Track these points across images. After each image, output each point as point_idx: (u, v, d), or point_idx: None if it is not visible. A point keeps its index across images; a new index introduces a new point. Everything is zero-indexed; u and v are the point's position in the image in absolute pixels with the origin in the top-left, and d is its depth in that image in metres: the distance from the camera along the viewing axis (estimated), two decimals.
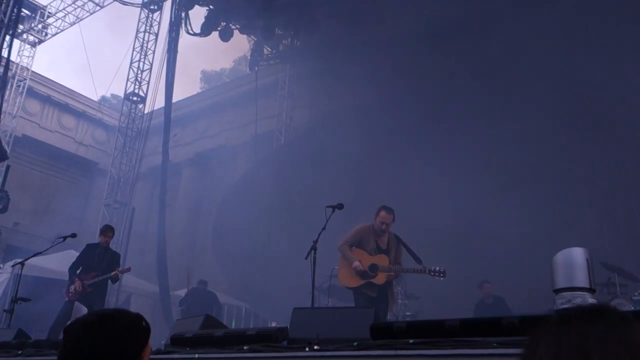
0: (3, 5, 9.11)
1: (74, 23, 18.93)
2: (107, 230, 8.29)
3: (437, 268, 5.83)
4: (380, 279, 5.93)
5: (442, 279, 5.85)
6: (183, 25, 14.80)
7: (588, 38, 10.33)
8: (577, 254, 3.27)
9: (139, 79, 15.87)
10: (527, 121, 10.94)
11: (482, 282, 8.19)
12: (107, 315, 1.53)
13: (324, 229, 5.45)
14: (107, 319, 1.50)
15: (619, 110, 9.68)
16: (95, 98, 23.41)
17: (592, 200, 10.19)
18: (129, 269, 8.49)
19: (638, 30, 9.28)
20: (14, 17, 9.34)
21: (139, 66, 15.92)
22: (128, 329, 1.48)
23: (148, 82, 15.96)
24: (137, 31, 16.25)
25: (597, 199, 10.16)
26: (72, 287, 7.80)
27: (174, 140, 17.09)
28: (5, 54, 9.40)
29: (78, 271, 7.97)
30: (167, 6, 15.67)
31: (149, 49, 16.17)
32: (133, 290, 14.47)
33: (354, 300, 6.23)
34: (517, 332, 2.62)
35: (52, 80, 21.94)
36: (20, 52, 19.54)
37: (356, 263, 5.99)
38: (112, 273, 7.86)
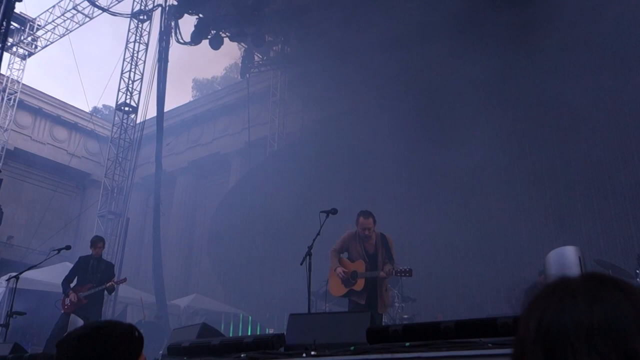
0: None
1: (63, 35, 18.91)
2: (97, 241, 8.25)
3: (404, 268, 5.76)
4: (359, 285, 5.87)
5: (409, 277, 5.79)
6: (173, 34, 14.81)
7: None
8: (569, 253, 3.29)
9: (130, 89, 15.84)
10: (521, 121, 11.01)
11: (542, 271, 8.10)
12: (99, 327, 1.54)
13: (318, 234, 5.45)
14: (100, 330, 1.51)
15: (613, 112, 9.77)
16: (87, 109, 23.42)
17: (585, 199, 10.24)
18: (124, 280, 8.46)
19: None
20: (3, 31, 9.31)
21: (129, 76, 15.89)
22: (120, 340, 1.49)
23: (139, 92, 15.94)
24: (127, 41, 16.23)
25: (590, 198, 10.21)
26: (67, 300, 7.76)
27: (167, 149, 17.10)
28: None
29: (73, 284, 7.94)
30: (157, 16, 15.69)
31: (140, 59, 16.16)
32: (129, 301, 14.40)
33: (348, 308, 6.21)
34: (512, 332, 2.63)
35: (43, 93, 21.89)
36: (11, 65, 19.51)
37: (339, 269, 5.93)
38: (108, 284, 7.83)
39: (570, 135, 10.42)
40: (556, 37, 10.56)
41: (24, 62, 19.76)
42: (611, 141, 9.92)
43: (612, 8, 10.12)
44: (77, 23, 18.40)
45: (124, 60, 16.08)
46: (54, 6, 18.55)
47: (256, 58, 17.10)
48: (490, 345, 2.61)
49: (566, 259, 3.26)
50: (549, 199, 10.56)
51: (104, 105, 35.60)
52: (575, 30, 10.28)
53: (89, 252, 8.18)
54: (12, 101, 19.29)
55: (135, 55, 16.10)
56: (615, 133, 9.85)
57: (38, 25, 19.15)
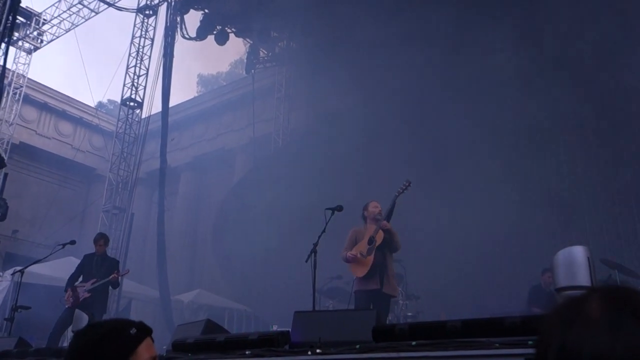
0: None
1: (69, 29, 18.90)
2: (99, 239, 8.24)
3: (402, 186, 6.19)
4: (379, 236, 6.11)
5: (409, 187, 6.17)
6: (179, 29, 14.80)
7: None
8: (578, 253, 3.27)
9: (135, 84, 15.84)
10: (526, 118, 10.94)
11: (545, 269, 8.10)
12: (95, 324, 1.66)
13: (323, 231, 5.44)
14: (92, 326, 1.64)
15: (619, 108, 9.70)
16: (92, 104, 23.43)
17: (591, 198, 10.19)
18: (127, 272, 8.48)
19: None
20: (9, 25, 9.31)
21: (135, 71, 15.89)
22: (108, 336, 1.54)
23: (145, 87, 15.93)
24: (133, 36, 16.23)
25: (596, 197, 10.16)
26: (70, 295, 7.78)
27: (171, 144, 17.08)
28: (1, 61, 9.38)
29: (78, 282, 7.94)
30: (163, 11, 15.68)
31: (145, 54, 16.15)
32: (134, 296, 14.44)
33: (354, 304, 6.20)
34: (519, 332, 2.62)
35: (48, 87, 21.91)
36: (16, 60, 19.53)
37: (349, 253, 6.20)
38: (111, 276, 7.82)
39: (576, 133, 10.36)
40: None
41: (29, 56, 19.78)
42: (619, 138, 9.85)
43: None
44: (82, 18, 18.39)
45: (129, 55, 16.09)
46: (59, 0, 18.55)
47: (261, 54, 17.08)
48: (497, 345, 2.59)
49: (575, 259, 3.24)
50: (554, 197, 10.51)
51: (109, 100, 35.60)
52: None
53: (94, 249, 8.20)
54: (17, 95, 19.31)
55: (141, 50, 16.10)
56: (622, 130, 9.77)
57: (44, 19, 19.15)
